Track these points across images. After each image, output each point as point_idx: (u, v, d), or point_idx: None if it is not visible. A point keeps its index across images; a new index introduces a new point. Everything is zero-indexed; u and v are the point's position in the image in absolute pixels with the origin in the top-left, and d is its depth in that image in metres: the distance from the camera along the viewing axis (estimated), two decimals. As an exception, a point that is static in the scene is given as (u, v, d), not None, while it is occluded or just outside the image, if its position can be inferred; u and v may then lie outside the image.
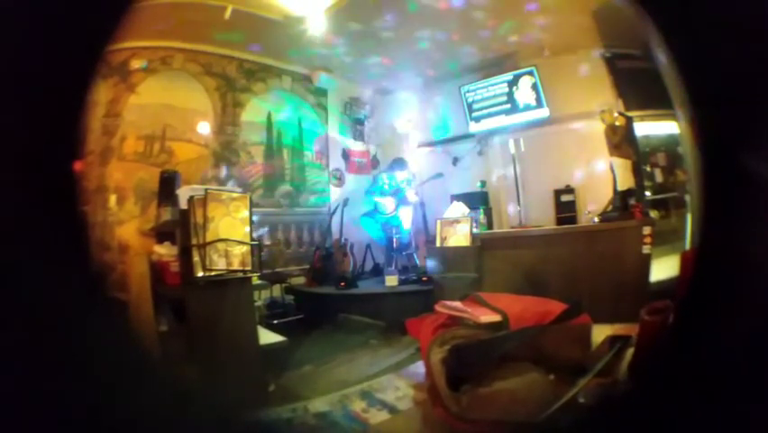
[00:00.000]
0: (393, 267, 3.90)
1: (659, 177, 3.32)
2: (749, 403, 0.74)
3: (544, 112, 3.85)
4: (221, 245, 2.05)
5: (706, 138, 0.81)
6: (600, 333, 1.85)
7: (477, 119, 4.24)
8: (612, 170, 3.12)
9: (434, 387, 1.65)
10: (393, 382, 2.15)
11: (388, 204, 4.17)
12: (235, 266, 2.09)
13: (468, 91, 4.25)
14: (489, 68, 4.13)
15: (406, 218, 4.16)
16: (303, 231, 4.24)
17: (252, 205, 2.26)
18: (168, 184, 2.64)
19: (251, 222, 2.20)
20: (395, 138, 4.89)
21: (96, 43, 0.79)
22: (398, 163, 4.35)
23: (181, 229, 2.11)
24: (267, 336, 2.31)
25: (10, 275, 0.69)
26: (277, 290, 3.51)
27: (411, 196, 4.19)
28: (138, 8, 0.91)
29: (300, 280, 3.91)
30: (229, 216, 2.12)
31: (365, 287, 3.68)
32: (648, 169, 3.32)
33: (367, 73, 4.50)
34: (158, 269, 2.31)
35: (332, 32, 3.68)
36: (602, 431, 0.92)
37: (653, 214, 2.97)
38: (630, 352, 1.58)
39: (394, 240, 4.09)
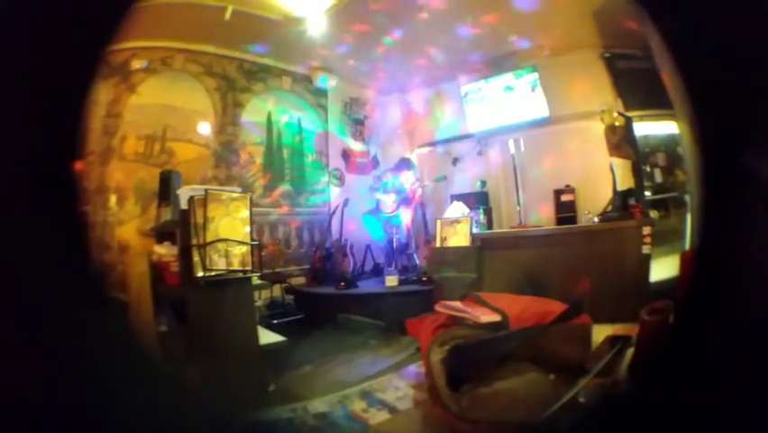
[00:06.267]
0: (393, 267, 3.90)
1: (659, 177, 3.32)
2: (749, 403, 0.74)
3: (544, 112, 3.85)
4: (221, 245, 2.05)
5: (706, 138, 0.81)
6: (601, 333, 1.86)
7: (477, 119, 4.24)
8: (612, 170, 3.12)
9: (434, 387, 1.65)
10: (393, 382, 2.15)
11: (389, 202, 4.17)
12: (235, 266, 2.09)
13: (468, 91, 4.25)
14: (490, 67, 4.14)
15: (407, 218, 4.16)
16: (303, 231, 4.24)
17: (252, 205, 2.26)
18: (168, 184, 2.64)
19: (251, 222, 2.20)
20: (395, 138, 4.89)
21: (96, 43, 0.80)
22: (404, 163, 4.35)
23: (181, 229, 2.10)
24: (267, 336, 2.31)
25: (10, 275, 0.69)
26: (277, 290, 3.50)
27: (417, 198, 4.18)
28: (138, 8, 0.91)
29: (300, 281, 3.91)
30: (229, 216, 2.11)
31: (365, 287, 3.67)
32: (648, 169, 3.32)
33: (367, 73, 4.50)
34: (158, 269, 2.30)
35: (332, 33, 3.68)
36: (602, 431, 0.92)
37: (653, 214, 2.97)
38: (630, 352, 1.59)
39: (394, 240, 4.09)
